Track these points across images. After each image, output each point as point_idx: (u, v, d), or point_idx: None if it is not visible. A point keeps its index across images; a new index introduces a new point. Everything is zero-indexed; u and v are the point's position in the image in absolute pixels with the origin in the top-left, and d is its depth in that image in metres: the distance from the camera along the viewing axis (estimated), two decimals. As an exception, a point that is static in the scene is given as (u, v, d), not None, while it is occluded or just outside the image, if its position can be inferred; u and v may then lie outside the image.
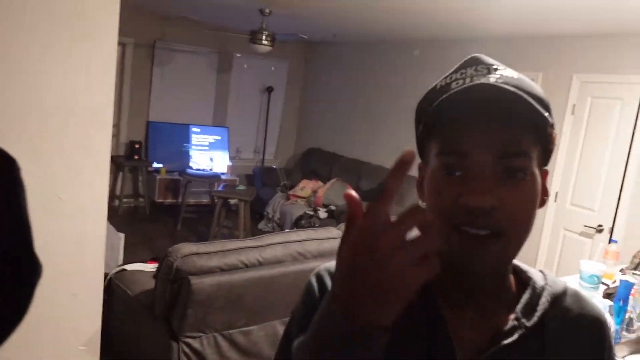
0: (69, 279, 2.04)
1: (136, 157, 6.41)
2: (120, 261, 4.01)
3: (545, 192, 0.67)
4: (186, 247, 2.50)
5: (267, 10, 4.96)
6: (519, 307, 0.68)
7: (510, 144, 0.61)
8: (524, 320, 0.67)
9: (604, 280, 2.64)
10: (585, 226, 4.22)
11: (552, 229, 4.51)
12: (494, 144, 0.60)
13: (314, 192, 6.19)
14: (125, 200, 6.55)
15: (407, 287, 0.47)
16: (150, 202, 6.52)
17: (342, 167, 6.56)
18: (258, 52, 5.45)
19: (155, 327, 2.55)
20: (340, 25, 5.54)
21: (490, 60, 0.66)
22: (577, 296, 0.73)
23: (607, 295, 2.48)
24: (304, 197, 6.24)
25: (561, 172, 4.44)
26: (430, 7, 3.94)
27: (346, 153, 6.75)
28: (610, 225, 4.04)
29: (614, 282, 2.63)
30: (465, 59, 0.68)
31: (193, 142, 6.99)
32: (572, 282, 2.51)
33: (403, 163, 0.47)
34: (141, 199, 6.68)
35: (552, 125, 0.65)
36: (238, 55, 7.30)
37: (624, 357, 1.96)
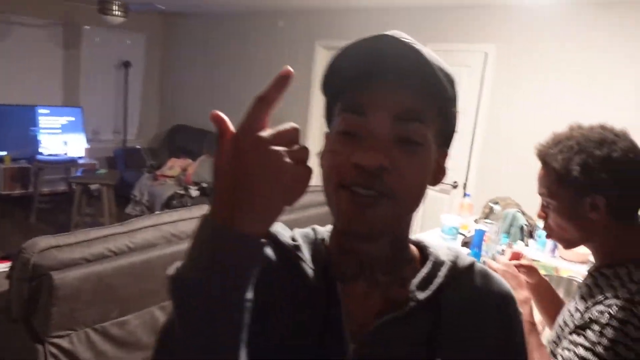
0: None
1: (-28, 145, 5.66)
2: (-36, 264, 3.54)
3: (440, 171, 0.69)
4: (44, 241, 2.26)
5: (116, -23, 4.60)
6: (415, 280, 0.67)
7: (408, 107, 0.60)
8: (417, 293, 0.66)
9: (461, 231, 2.90)
10: (442, 183, 4.60)
11: (415, 189, 4.85)
12: (391, 105, 0.60)
13: (184, 170, 5.98)
14: (-37, 195, 5.78)
15: (284, 187, 0.50)
16: (-4, 194, 5.82)
17: (211, 143, 6.39)
18: (110, 23, 5.06)
19: (15, 331, 2.31)
20: (198, -5, 5.31)
21: (401, 33, 0.63)
22: (484, 274, 0.72)
23: (465, 243, 2.73)
24: (173, 177, 5.99)
25: (420, 136, 4.76)
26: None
27: (214, 128, 6.59)
28: (464, 181, 4.45)
29: (470, 231, 2.91)
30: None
31: (42, 125, 6.32)
32: (435, 236, 2.72)
33: (281, 77, 0.51)
34: (-16, 192, 5.93)
35: (455, 105, 0.66)
36: (87, 27, 6.69)
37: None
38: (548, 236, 1.25)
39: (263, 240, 0.50)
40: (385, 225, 0.62)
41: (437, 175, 0.69)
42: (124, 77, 7.07)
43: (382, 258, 0.67)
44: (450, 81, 0.64)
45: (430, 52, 0.62)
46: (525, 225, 2.89)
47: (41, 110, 6.33)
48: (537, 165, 1.20)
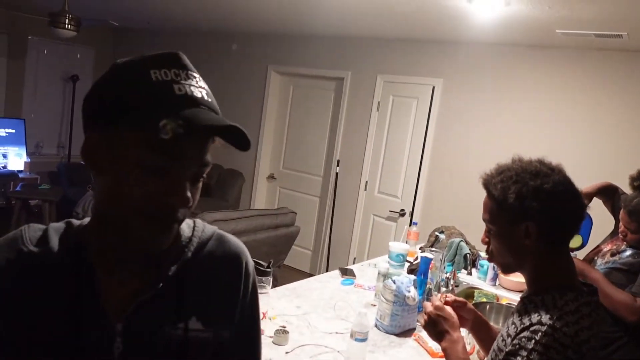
0: None
1: None
2: None
3: None
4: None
5: (70, -9, 4.51)
6: (168, 258, 0.78)
7: (207, 157, 0.73)
8: (163, 273, 0.77)
9: (408, 258, 2.99)
10: (390, 211, 4.73)
11: (363, 215, 4.96)
12: (200, 158, 0.72)
13: (131, 189, 5.84)
14: None
15: None
16: None
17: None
18: (60, 37, 4.92)
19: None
20: (155, 12, 5.29)
21: (189, 64, 0.75)
22: (221, 239, 0.86)
23: (411, 270, 2.82)
24: (119, 195, 5.84)
25: (369, 164, 4.89)
26: (247, 2, 3.99)
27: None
28: (411, 209, 4.59)
29: (416, 259, 3.01)
30: (168, 54, 0.74)
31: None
32: (383, 262, 2.80)
33: None
34: None
35: None
36: (34, 38, 6.49)
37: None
38: (489, 259, 1.34)
39: None
40: (170, 241, 0.75)
41: None
42: (71, 91, 6.88)
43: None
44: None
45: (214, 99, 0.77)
46: (469, 254, 3.02)
47: (-19, 122, 6.05)
48: (481, 195, 1.29)
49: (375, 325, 2.09)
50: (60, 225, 0.78)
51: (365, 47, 4.88)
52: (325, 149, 5.30)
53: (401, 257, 2.90)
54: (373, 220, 4.91)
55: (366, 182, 4.93)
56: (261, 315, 1.88)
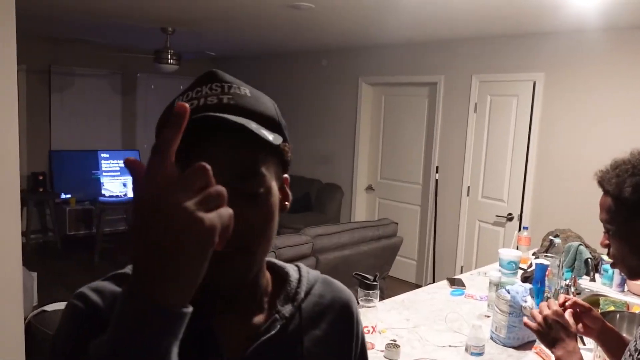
0: (-16, 330, 1.87)
1: (40, 189, 6.00)
2: (35, 302, 3.72)
3: (286, 198, 0.71)
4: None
5: (169, 29, 4.86)
6: (279, 301, 0.74)
7: (244, 167, 0.63)
8: (283, 312, 0.73)
9: (521, 265, 2.83)
10: (497, 216, 4.51)
11: (468, 222, 4.78)
12: (228, 166, 0.61)
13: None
14: (33, 236, 6.09)
15: (208, 235, 0.45)
16: (62, 235, 6.11)
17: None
18: (164, 71, 5.32)
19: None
20: (246, 40, 5.54)
21: (226, 77, 0.69)
22: (328, 282, 0.82)
23: (525, 278, 2.66)
24: (226, 215, 6.13)
25: (470, 168, 4.72)
26: (332, 20, 4.05)
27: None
28: (519, 213, 4.35)
29: (529, 266, 2.83)
30: (202, 75, 0.69)
31: (103, 169, 6.66)
32: (494, 271, 2.67)
33: (177, 115, 0.46)
34: (50, 234, 6.24)
35: (284, 140, 0.69)
36: (142, 75, 7.07)
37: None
38: (613, 265, 1.22)
39: (186, 309, 0.47)
40: (245, 276, 0.66)
41: (283, 203, 0.71)
42: (177, 120, 7.38)
43: (243, 293, 0.71)
44: (275, 124, 0.69)
45: (255, 95, 0.69)
46: (590, 258, 2.79)
47: (103, 155, 6.68)
48: (598, 195, 1.19)
49: (491, 338, 1.99)
50: None
51: (457, 48, 4.74)
52: (423, 156, 5.19)
53: (513, 265, 2.75)
54: (479, 227, 4.71)
55: (468, 187, 4.75)
56: (370, 329, 1.87)
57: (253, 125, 0.62)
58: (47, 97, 6.34)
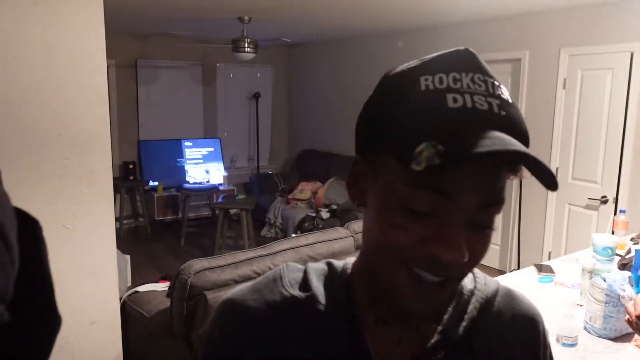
0: (85, 307, 2.02)
1: (131, 177, 6.37)
2: (129, 283, 3.97)
3: None
4: (198, 263, 2.47)
5: (246, 18, 4.94)
6: (446, 317, 0.62)
7: (495, 191, 0.52)
8: (451, 333, 0.62)
9: (617, 251, 2.63)
10: (589, 199, 4.23)
11: (556, 205, 4.52)
12: (481, 194, 0.51)
13: (314, 193, 6.17)
14: (125, 221, 6.51)
15: None
16: (151, 220, 6.48)
17: (338, 165, 6.54)
18: (241, 59, 5.43)
19: (175, 346, 2.53)
20: (322, 25, 5.53)
21: (485, 65, 0.55)
22: (510, 296, 0.68)
23: (623, 265, 2.48)
24: (304, 200, 6.22)
25: (559, 148, 4.45)
26: (412, -3, 3.93)
27: (341, 151, 6.74)
28: (615, 196, 4.05)
29: (627, 252, 2.63)
30: (455, 51, 0.56)
31: (187, 157, 6.96)
32: (587, 257, 2.51)
33: None
34: (141, 219, 6.63)
35: None
36: (222, 65, 7.27)
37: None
38: None
39: None
40: (445, 303, 0.61)
41: None
42: (255, 107, 7.55)
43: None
44: (528, 144, 0.55)
45: (514, 104, 0.56)
46: (698, 243, 2.55)
47: (186, 143, 6.98)
48: None
49: (585, 328, 1.86)
50: (321, 267, 0.66)
51: (543, 20, 4.45)
52: (506, 137, 4.95)
53: (609, 251, 2.57)
54: (569, 210, 4.44)
55: (557, 168, 4.48)
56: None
57: (542, 162, 0.52)
58: (134, 90, 6.70)
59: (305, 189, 6.34)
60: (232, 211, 5.94)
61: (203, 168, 7.00)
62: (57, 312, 0.47)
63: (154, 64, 6.76)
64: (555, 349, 1.55)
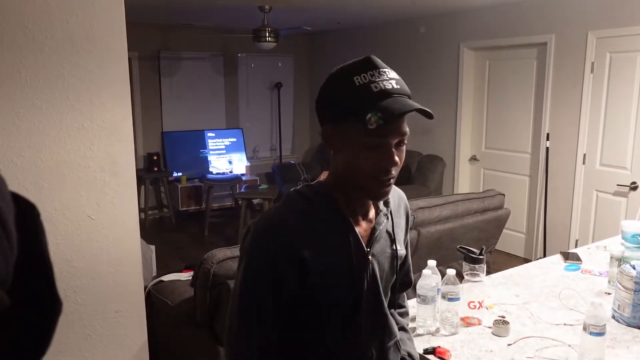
0: (111, 296, 2.05)
1: (155, 168, 6.45)
2: (154, 272, 4.03)
3: None
4: (221, 253, 2.49)
5: (266, 7, 4.92)
6: (383, 206, 1.18)
7: (405, 129, 1.03)
8: (384, 210, 1.18)
9: (647, 238, 2.56)
10: (618, 185, 4.12)
11: (584, 192, 4.42)
12: (399, 132, 1.01)
13: (336, 182, 6.16)
14: (150, 212, 6.60)
15: None
16: (175, 211, 6.56)
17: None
18: (262, 49, 5.42)
19: (199, 335, 2.56)
20: (343, 12, 5.47)
21: (379, 62, 1.03)
22: (395, 190, 1.24)
23: (653, 253, 2.41)
24: (326, 189, 6.21)
25: (586, 134, 4.34)
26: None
27: (363, 140, 6.69)
28: (644, 182, 3.94)
29: (658, 239, 2.55)
30: (362, 59, 1.04)
31: (210, 147, 7.01)
32: (615, 244, 2.45)
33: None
34: (166, 209, 6.72)
35: None
36: (243, 55, 7.28)
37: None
38: None
39: None
40: (390, 191, 1.10)
41: None
42: (276, 97, 7.55)
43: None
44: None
45: (400, 78, 1.07)
46: None
47: (209, 134, 7.03)
48: None
49: (613, 317, 1.82)
50: (303, 188, 1.13)
51: (569, 2, 4.33)
52: (532, 123, 4.86)
53: (639, 238, 2.50)
54: (596, 197, 4.34)
55: (584, 154, 4.38)
56: (477, 305, 1.80)
57: (424, 108, 1.01)
58: (157, 81, 6.76)
59: (327, 178, 6.33)
60: (255, 201, 5.97)
61: (226, 158, 7.05)
62: (57, 296, 0.47)
63: (176, 56, 6.81)
64: (583, 337, 1.52)
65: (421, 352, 1.58)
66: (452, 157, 5.61)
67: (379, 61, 1.03)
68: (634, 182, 4.01)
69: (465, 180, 5.61)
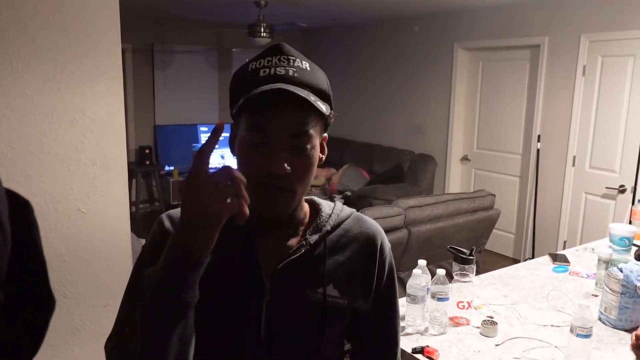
0: (100, 290, 2.04)
1: (147, 162, 6.41)
2: (144, 267, 4.01)
3: (323, 152, 0.92)
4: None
5: (262, 2, 4.90)
6: (308, 230, 0.93)
7: (298, 126, 0.82)
8: (310, 239, 0.91)
9: (635, 241, 2.59)
10: (607, 188, 4.16)
11: (573, 194, 4.46)
12: (286, 126, 0.81)
13: (328, 179, 6.17)
14: (141, 206, 6.57)
15: (216, 218, 0.69)
16: (167, 205, 6.53)
17: (353, 152, 6.52)
18: (257, 44, 5.40)
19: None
20: (338, 9, 5.47)
21: (292, 51, 0.87)
22: (359, 219, 0.99)
23: (639, 256, 2.44)
24: (318, 186, 6.21)
25: (577, 137, 4.38)
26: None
27: (356, 137, 6.71)
28: (633, 185, 3.97)
29: (645, 242, 2.58)
30: (270, 46, 0.86)
31: (202, 142, 6.98)
32: (603, 247, 2.47)
33: (216, 130, 0.70)
34: (157, 204, 6.69)
35: (331, 109, 0.89)
36: (237, 49, 7.25)
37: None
38: None
39: (205, 259, 0.72)
40: (287, 209, 0.87)
41: (320, 157, 0.90)
42: (270, 93, 7.53)
43: (283, 220, 0.91)
44: (327, 96, 0.89)
45: (312, 70, 0.87)
46: None
47: (202, 128, 7.00)
48: None
49: (600, 319, 1.84)
50: None
51: (563, 5, 4.35)
52: (523, 125, 4.89)
53: (626, 241, 2.54)
54: (585, 199, 4.38)
55: (574, 157, 4.41)
56: (465, 305, 1.81)
57: (312, 98, 0.81)
58: (150, 74, 6.72)
59: (319, 175, 6.34)
60: (246, 196, 5.95)
61: (218, 153, 7.01)
62: (50, 293, 0.47)
63: (170, 49, 6.77)
64: (570, 339, 1.54)
65: (410, 351, 1.60)
66: (444, 157, 5.63)
67: (289, 48, 0.87)
68: (622, 185, 4.05)
69: (456, 180, 5.64)
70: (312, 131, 0.84)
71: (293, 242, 0.92)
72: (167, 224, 0.93)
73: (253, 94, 0.78)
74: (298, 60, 0.86)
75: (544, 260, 2.49)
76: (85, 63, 1.91)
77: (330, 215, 0.95)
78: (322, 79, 0.88)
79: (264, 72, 0.83)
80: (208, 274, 0.76)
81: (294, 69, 0.84)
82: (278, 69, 0.83)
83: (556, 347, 1.64)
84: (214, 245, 0.75)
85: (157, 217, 0.97)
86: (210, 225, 0.69)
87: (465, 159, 5.55)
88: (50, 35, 1.83)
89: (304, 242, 0.91)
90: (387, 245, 0.99)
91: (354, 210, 1.00)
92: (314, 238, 0.91)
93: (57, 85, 1.86)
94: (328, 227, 0.93)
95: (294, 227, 0.93)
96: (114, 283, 2.07)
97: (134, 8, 5.47)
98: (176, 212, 0.89)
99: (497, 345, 1.66)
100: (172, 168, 6.65)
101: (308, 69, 0.86)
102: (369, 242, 0.96)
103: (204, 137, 7.00)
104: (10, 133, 1.80)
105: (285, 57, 0.85)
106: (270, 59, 0.84)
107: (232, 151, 0.90)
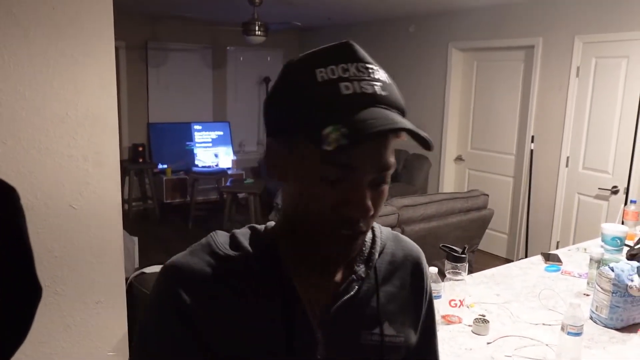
0: (91, 286, 2.03)
1: (140, 159, 6.39)
2: (137, 264, 4.00)
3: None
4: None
5: (256, 0, 4.89)
6: (356, 263, 0.76)
7: (387, 160, 0.66)
8: (359, 271, 0.75)
9: (627, 242, 2.61)
10: (600, 189, 4.18)
11: (566, 194, 4.48)
12: (377, 162, 0.65)
13: (322, 179, 6.16)
14: (134, 203, 6.55)
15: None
16: (159, 203, 6.51)
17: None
18: (252, 43, 5.38)
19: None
20: (333, 8, 5.47)
21: (365, 53, 0.67)
22: (397, 239, 0.84)
23: (632, 256, 2.45)
24: (312, 185, 6.21)
25: (570, 137, 4.40)
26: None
27: (350, 137, 6.69)
28: (626, 186, 4.00)
29: (637, 242, 2.60)
30: (338, 45, 0.67)
31: (196, 140, 6.97)
32: (595, 247, 2.48)
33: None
34: (150, 201, 6.67)
35: None
36: (232, 48, 7.24)
37: None
38: None
39: None
40: (356, 251, 0.71)
41: None
42: (264, 92, 7.52)
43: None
44: (404, 113, 0.70)
45: (392, 83, 0.69)
46: None
47: (195, 126, 6.99)
48: None
49: (591, 318, 1.85)
50: (245, 230, 0.76)
51: (557, 7, 4.37)
52: (517, 125, 4.90)
53: (618, 241, 2.55)
54: (578, 200, 4.40)
55: (567, 157, 4.43)
56: (457, 303, 1.81)
57: (418, 131, 0.64)
58: (144, 72, 6.70)
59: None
60: (240, 195, 5.95)
61: (212, 152, 7.01)
62: (37, 281, 0.47)
63: (164, 47, 6.74)
64: (561, 337, 1.54)
65: (402, 348, 1.59)
66: (438, 157, 5.64)
67: (362, 51, 0.67)
68: (615, 186, 4.07)
69: (450, 179, 5.65)
70: (393, 160, 0.68)
71: (339, 277, 0.75)
72: (185, 296, 0.68)
73: (366, 134, 0.59)
74: (376, 68, 0.67)
75: (537, 260, 2.50)
76: (78, 59, 1.89)
77: (373, 241, 0.79)
78: (397, 91, 0.70)
79: (347, 88, 0.62)
80: (242, 340, 0.65)
81: (380, 85, 0.65)
82: (362, 83, 0.63)
83: (547, 345, 1.65)
84: (238, 303, 0.66)
85: (163, 274, 0.72)
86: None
87: (459, 159, 5.57)
88: (44, 30, 1.81)
89: (353, 276, 0.75)
90: (427, 267, 0.87)
91: (389, 229, 0.86)
92: (363, 270, 0.76)
93: (50, 81, 1.85)
94: (376, 255, 0.78)
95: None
96: (105, 280, 2.06)
97: (128, 5, 5.45)
98: (189, 263, 0.70)
99: (488, 343, 1.66)
100: (165, 166, 6.62)
101: (388, 81, 0.68)
102: (415, 267, 0.83)
103: (197, 136, 6.98)
104: (1, 128, 1.79)
105: (364, 65, 0.65)
106: (345, 66, 0.64)
107: (270, 173, 0.71)
